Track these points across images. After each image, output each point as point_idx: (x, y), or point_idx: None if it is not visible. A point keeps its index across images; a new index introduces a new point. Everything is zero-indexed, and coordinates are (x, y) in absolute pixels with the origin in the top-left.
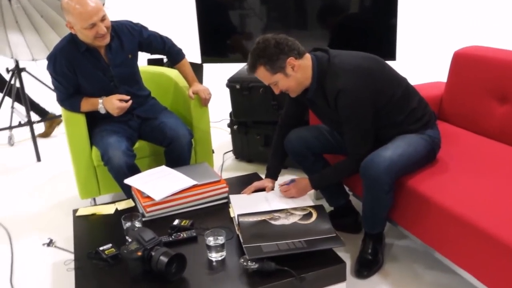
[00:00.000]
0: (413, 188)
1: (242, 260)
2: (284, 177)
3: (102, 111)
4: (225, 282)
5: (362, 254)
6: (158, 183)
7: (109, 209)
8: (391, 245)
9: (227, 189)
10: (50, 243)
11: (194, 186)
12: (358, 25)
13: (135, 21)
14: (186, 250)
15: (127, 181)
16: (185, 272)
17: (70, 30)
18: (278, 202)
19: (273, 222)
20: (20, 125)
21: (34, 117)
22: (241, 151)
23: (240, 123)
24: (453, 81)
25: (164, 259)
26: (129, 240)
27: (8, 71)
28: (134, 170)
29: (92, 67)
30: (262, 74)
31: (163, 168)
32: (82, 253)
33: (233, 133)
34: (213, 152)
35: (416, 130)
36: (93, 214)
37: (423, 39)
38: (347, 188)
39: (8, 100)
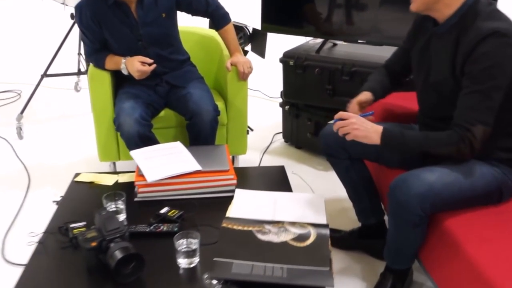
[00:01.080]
0: (448, 229)
1: (206, 276)
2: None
3: (124, 72)
4: None
5: None
6: (160, 162)
7: (109, 180)
8: (419, 285)
9: (235, 181)
10: (59, 202)
11: (197, 172)
12: None
13: None
14: (158, 246)
15: (133, 153)
16: (145, 276)
17: None
18: (285, 210)
19: (259, 235)
20: (79, 72)
21: None
22: (290, 135)
23: (292, 104)
24: None
25: (118, 255)
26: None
27: (72, 17)
28: (147, 140)
29: (119, 22)
30: None
31: (176, 145)
32: (56, 225)
33: (284, 114)
34: (248, 132)
35: (494, 158)
36: (91, 183)
37: None
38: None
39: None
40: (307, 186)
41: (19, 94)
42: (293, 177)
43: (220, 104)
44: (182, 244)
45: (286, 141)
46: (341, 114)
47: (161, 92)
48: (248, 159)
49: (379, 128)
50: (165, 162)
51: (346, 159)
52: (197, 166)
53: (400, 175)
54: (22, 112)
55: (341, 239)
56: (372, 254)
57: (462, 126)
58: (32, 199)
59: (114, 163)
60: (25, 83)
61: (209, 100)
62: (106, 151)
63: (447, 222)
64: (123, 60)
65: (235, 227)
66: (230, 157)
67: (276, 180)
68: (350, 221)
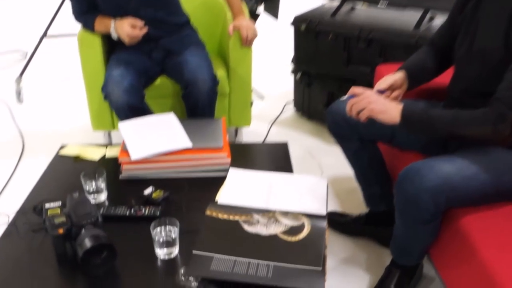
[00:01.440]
0: (465, 229)
1: (183, 271)
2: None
3: (114, 36)
4: None
5: (381, 285)
6: (147, 136)
7: (96, 154)
8: (430, 279)
9: (228, 160)
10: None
11: (187, 149)
12: None
13: None
14: (137, 232)
15: (121, 124)
16: (118, 267)
17: None
18: (281, 195)
19: (246, 226)
20: None
21: None
22: (301, 105)
23: (303, 72)
24: None
25: (86, 244)
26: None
27: None
28: (138, 111)
29: None
30: None
31: (169, 118)
32: (31, 203)
33: (295, 82)
34: (251, 104)
35: None
36: (77, 157)
37: None
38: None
39: None
40: (315, 161)
41: (25, 55)
42: (301, 151)
43: (221, 72)
44: (159, 232)
45: (297, 111)
46: (354, 89)
47: (156, 58)
48: (255, 130)
49: (399, 105)
50: (154, 137)
51: (356, 140)
52: (187, 143)
53: (412, 163)
54: (21, 74)
55: (346, 224)
56: (379, 242)
57: (506, 101)
58: (24, 167)
59: (109, 133)
60: (33, 43)
61: (206, 68)
62: (99, 120)
63: (465, 220)
64: (113, 24)
65: (219, 215)
66: (233, 129)
67: (277, 158)
68: (359, 203)
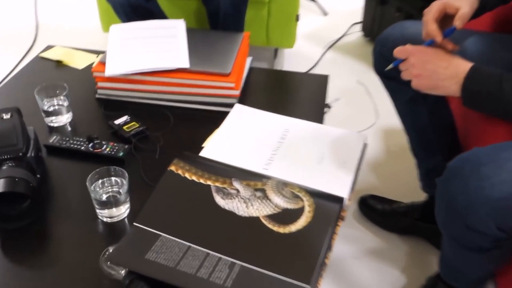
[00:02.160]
0: None
1: (107, 254)
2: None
3: None
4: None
5: None
6: (137, 47)
7: (82, 60)
8: None
9: (236, 92)
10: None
11: (182, 71)
12: None
13: None
14: (86, 179)
15: (113, 28)
16: (45, 224)
17: None
18: (290, 153)
19: (218, 198)
20: None
21: None
22: (370, 28)
23: None
24: None
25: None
26: None
27: None
28: (143, 13)
29: None
30: None
31: (176, 24)
32: None
33: None
34: (297, 19)
35: None
36: (59, 62)
37: None
38: None
39: None
40: (372, 103)
41: None
42: (357, 88)
43: None
44: (101, 186)
45: (365, 35)
46: (397, 52)
47: None
48: (306, 53)
49: (460, 72)
50: (145, 49)
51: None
52: (183, 62)
53: (474, 149)
54: None
55: (391, 217)
56: (430, 241)
57: None
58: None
59: None
60: None
61: None
62: (109, 20)
63: None
64: None
65: (187, 174)
66: (272, 50)
67: (309, 98)
68: (413, 164)
